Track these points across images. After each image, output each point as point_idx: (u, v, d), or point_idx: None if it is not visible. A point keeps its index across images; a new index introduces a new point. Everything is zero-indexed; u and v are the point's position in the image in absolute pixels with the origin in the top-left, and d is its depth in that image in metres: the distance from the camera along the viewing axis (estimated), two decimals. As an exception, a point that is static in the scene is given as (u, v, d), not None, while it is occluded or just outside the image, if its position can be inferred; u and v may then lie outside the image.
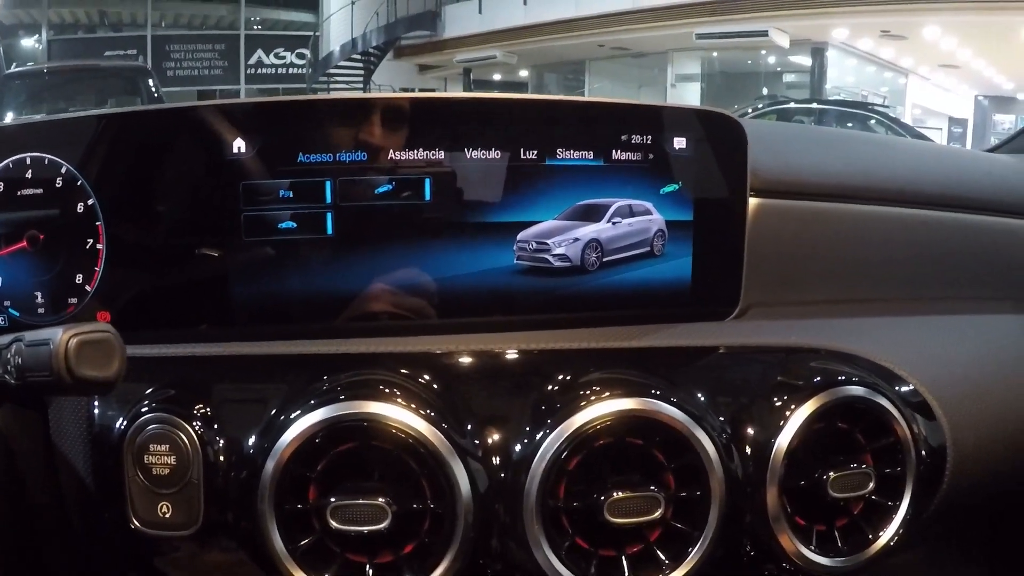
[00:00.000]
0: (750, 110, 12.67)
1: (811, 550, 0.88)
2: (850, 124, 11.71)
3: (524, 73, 24.23)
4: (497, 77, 24.24)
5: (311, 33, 26.72)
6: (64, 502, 0.88)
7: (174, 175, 0.90)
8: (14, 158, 0.89)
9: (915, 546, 0.96)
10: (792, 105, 13.65)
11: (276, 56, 26.65)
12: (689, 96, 19.35)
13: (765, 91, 21.01)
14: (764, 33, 16.80)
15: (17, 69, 11.64)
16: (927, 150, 1.39)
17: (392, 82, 23.03)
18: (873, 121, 11.93)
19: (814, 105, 13.66)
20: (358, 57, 23.30)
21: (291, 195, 0.88)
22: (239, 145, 0.87)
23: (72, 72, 10.87)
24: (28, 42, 27.58)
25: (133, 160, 0.90)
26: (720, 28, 17.10)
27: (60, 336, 0.63)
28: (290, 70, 26.40)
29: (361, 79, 22.96)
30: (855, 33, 17.76)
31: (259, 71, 26.39)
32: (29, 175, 0.90)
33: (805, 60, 19.65)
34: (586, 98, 0.96)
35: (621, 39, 19.48)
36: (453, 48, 22.69)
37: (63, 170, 0.89)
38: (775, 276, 1.02)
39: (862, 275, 1.07)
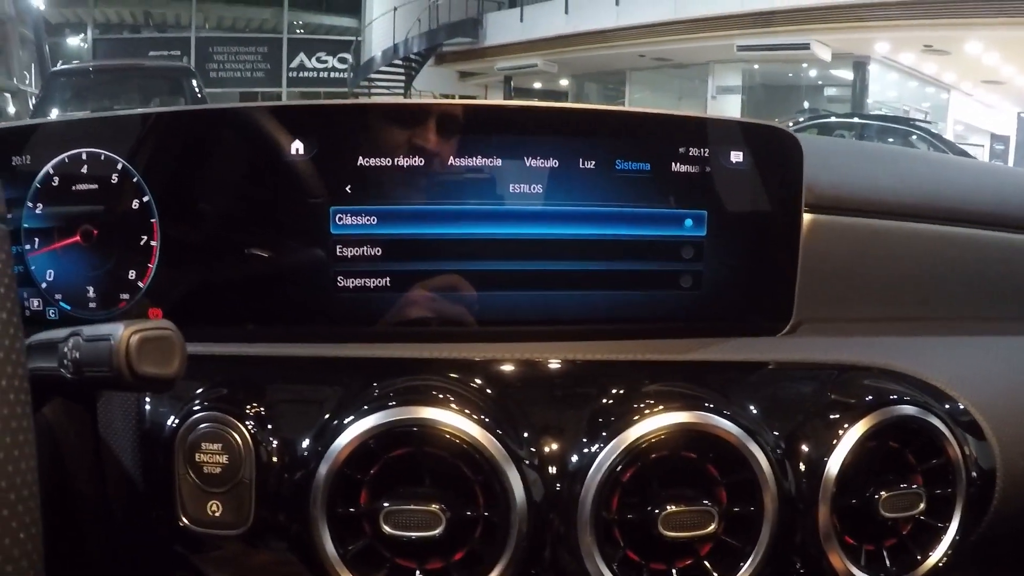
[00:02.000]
0: (791, 124, 12.59)
1: (860, 570, 0.87)
2: (891, 139, 11.62)
3: (564, 82, 24.17)
4: (538, 85, 24.15)
5: (353, 38, 26.84)
6: (109, 497, 0.88)
7: (230, 175, 0.92)
8: (70, 153, 0.91)
9: (964, 568, 0.94)
10: (833, 119, 13.57)
11: (318, 60, 26.79)
12: (729, 108, 19.21)
13: (806, 105, 20.90)
14: (806, 46, 16.65)
15: (63, 67, 11.79)
16: (979, 168, 1.39)
17: (433, 88, 23.07)
18: (915, 137, 11.85)
19: (855, 120, 13.57)
20: (399, 63, 23.28)
21: (347, 198, 0.89)
22: (297, 147, 0.88)
23: (117, 71, 10.90)
24: (74, 41, 27.96)
25: (189, 159, 0.91)
26: (761, 40, 16.95)
27: (121, 332, 0.63)
28: (332, 74, 26.50)
29: (402, 85, 22.97)
30: (897, 47, 17.59)
31: (301, 74, 26.53)
32: (85, 170, 0.91)
33: (847, 74, 19.50)
34: (644, 109, 0.94)
35: (662, 50, 19.40)
36: (494, 56, 22.71)
37: (119, 166, 0.91)
38: (827, 292, 1.01)
39: (913, 293, 1.06)
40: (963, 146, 15.95)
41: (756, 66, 20.24)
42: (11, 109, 12.14)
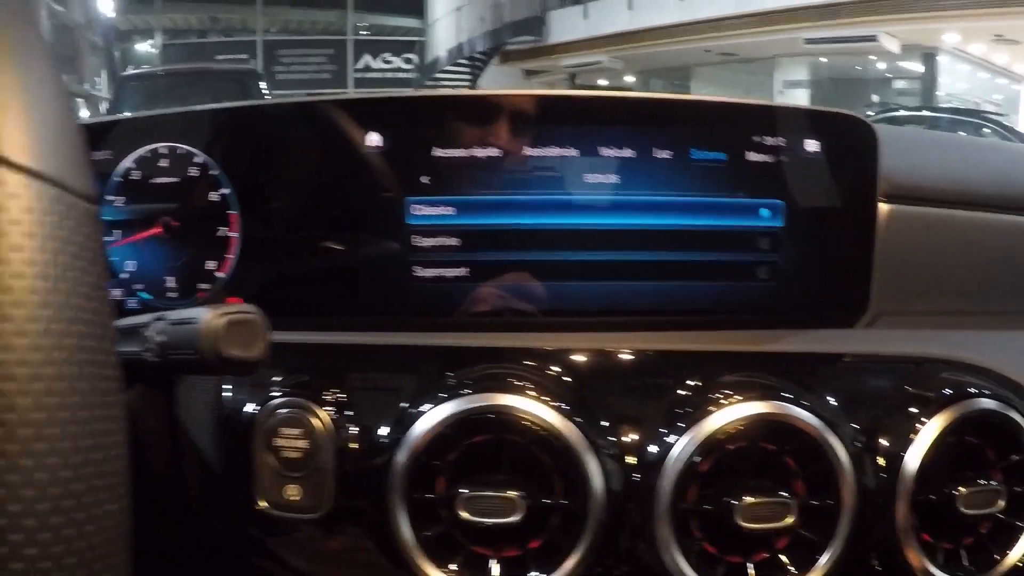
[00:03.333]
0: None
1: (938, 568, 0.85)
2: (962, 132, 11.46)
3: (630, 78, 24.04)
4: (603, 82, 24.01)
5: (418, 38, 27.10)
6: (185, 482, 0.87)
7: (308, 167, 0.93)
8: (150, 146, 0.93)
9: None
10: (903, 113, 13.30)
11: (383, 61, 27.06)
12: (797, 102, 18.96)
13: (876, 98, 20.53)
14: (873, 38, 16.44)
15: (133, 71, 12.19)
16: None
17: (498, 87, 23.01)
18: (987, 130, 11.68)
19: (925, 113, 13.32)
20: (464, 62, 23.41)
21: (423, 189, 0.90)
22: (373, 139, 0.89)
23: (186, 74, 11.10)
24: (143, 46, 28.53)
25: (267, 152, 0.93)
26: (828, 33, 16.75)
27: (208, 316, 0.64)
28: (397, 74, 26.69)
29: (468, 83, 22.93)
30: (967, 38, 17.29)
31: (367, 75, 26.72)
32: (166, 163, 0.93)
33: (916, 66, 19.26)
34: (719, 97, 0.94)
35: (728, 44, 19.21)
36: (559, 53, 22.56)
37: (199, 160, 0.93)
38: (905, 284, 0.99)
39: (992, 286, 1.03)
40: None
41: (823, 59, 20.00)
42: (84, 113, 12.47)
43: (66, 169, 0.43)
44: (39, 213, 0.41)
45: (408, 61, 26.65)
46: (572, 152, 0.90)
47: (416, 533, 0.81)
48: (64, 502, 0.42)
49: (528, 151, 0.90)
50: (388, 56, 27.10)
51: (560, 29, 22.42)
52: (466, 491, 0.80)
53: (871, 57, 19.75)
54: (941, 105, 16.12)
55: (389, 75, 26.87)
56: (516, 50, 23.51)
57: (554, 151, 0.90)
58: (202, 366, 0.64)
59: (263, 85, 10.51)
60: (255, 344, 0.64)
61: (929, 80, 18.68)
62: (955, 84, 19.42)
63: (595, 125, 0.91)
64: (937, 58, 18.45)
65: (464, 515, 0.79)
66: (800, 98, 19.25)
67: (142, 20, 28.06)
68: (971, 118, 12.60)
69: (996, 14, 14.71)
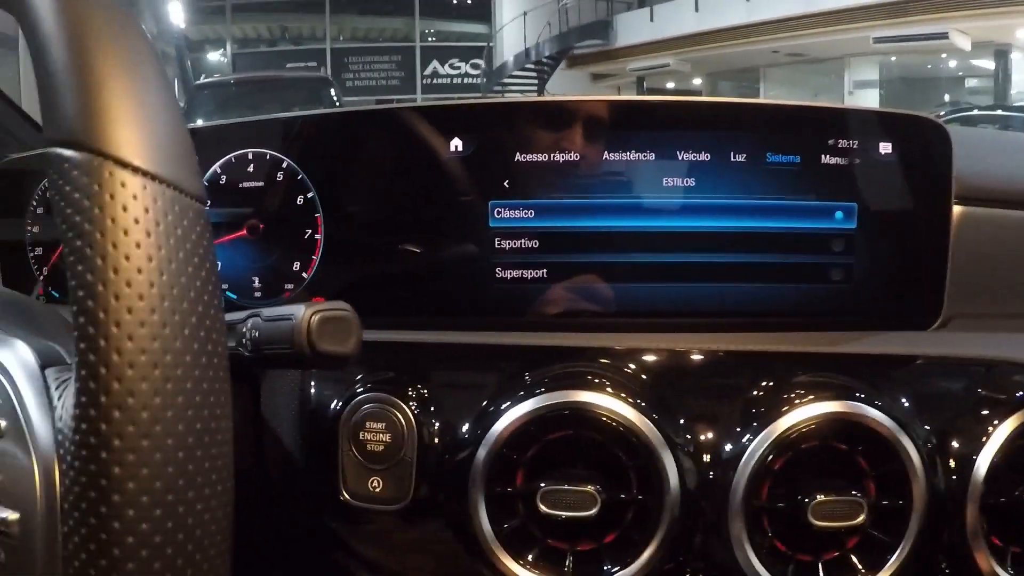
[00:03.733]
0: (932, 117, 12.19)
1: (1007, 571, 0.84)
2: None
3: (697, 81, 23.82)
4: (671, 85, 23.82)
5: (485, 44, 27.11)
6: (269, 475, 0.90)
7: (391, 173, 0.95)
8: (237, 153, 0.96)
9: None
10: (976, 112, 13.03)
11: (451, 66, 27.16)
12: (867, 103, 18.42)
13: (948, 97, 20.23)
14: (944, 35, 16.20)
15: (206, 80, 12.29)
16: None
17: (566, 91, 22.84)
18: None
19: (999, 111, 13.12)
20: (531, 67, 23.36)
21: (504, 193, 0.92)
22: (456, 144, 0.91)
23: (257, 83, 11.21)
24: (214, 56, 28.81)
25: (351, 158, 0.95)
26: (898, 31, 16.56)
27: (303, 312, 0.65)
28: (465, 80, 26.82)
29: (535, 88, 22.95)
30: None
31: (435, 81, 26.87)
32: (252, 169, 0.95)
33: (988, 64, 18.93)
34: (792, 101, 0.95)
35: (796, 44, 19.05)
36: (625, 56, 22.57)
37: (284, 165, 0.95)
38: (978, 287, 0.97)
39: None
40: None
41: (893, 58, 19.80)
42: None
43: (179, 172, 0.47)
44: (156, 212, 0.46)
45: (475, 67, 26.67)
46: (648, 156, 0.91)
47: (494, 526, 0.82)
48: (177, 481, 0.46)
49: (605, 156, 0.91)
50: (455, 62, 27.21)
51: (627, 32, 22.40)
52: (544, 485, 0.81)
53: (942, 55, 19.44)
54: (1015, 104, 15.78)
55: (456, 81, 26.99)
56: (583, 54, 23.52)
57: (630, 155, 0.91)
58: (296, 360, 0.67)
59: (333, 92, 10.57)
60: (348, 340, 0.66)
61: (1002, 78, 18.28)
62: None
63: (671, 130, 0.92)
64: (1010, 55, 18.08)
65: (542, 508, 0.81)
66: (870, 98, 19.07)
67: (212, 30, 28.38)
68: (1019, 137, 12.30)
69: None
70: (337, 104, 10.11)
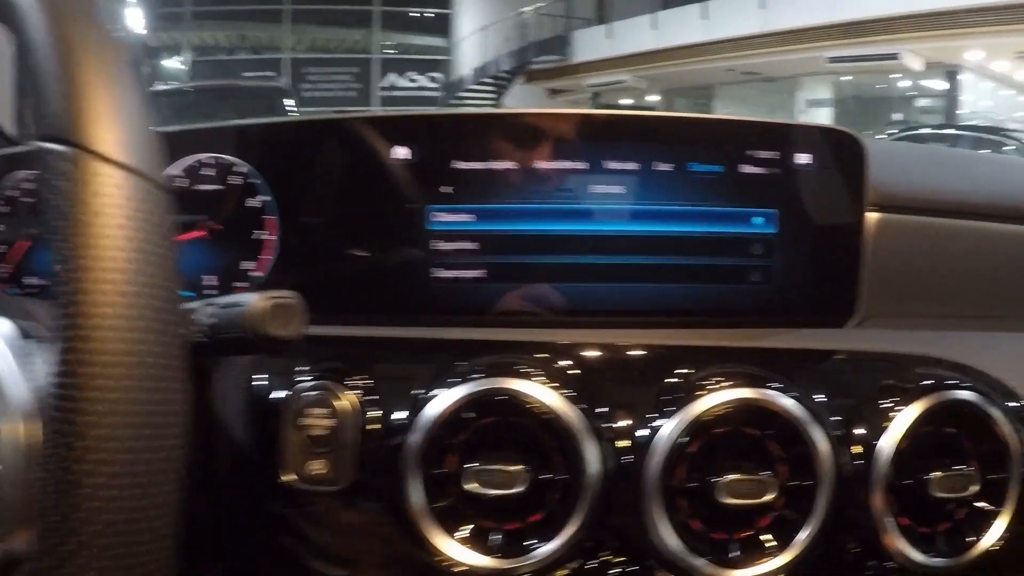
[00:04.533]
0: (884, 136, 12.29)
1: (914, 549, 0.88)
2: (986, 150, 11.31)
3: (653, 97, 23.93)
4: (627, 101, 23.92)
5: (443, 57, 27.35)
6: (215, 461, 0.92)
7: (340, 178, 0.98)
8: (196, 156, 0.99)
9: (1018, 553, 0.93)
10: (926, 131, 13.20)
11: (409, 79, 27.27)
12: (820, 121, 18.60)
13: (898, 116, 20.56)
14: (896, 56, 16.39)
15: (163, 87, 12.20)
16: None
17: (522, 105, 22.79)
18: (1010, 147, 11.62)
19: (949, 131, 13.23)
20: (489, 81, 23.57)
21: (443, 198, 0.96)
22: (399, 152, 0.95)
23: (214, 91, 11.03)
24: (172, 63, 28.60)
25: (303, 162, 0.99)
26: (851, 51, 16.74)
27: (255, 299, 0.68)
28: (422, 93, 26.89)
29: (492, 102, 23.02)
30: (991, 55, 17.08)
31: (392, 93, 26.94)
32: (209, 172, 0.99)
33: (939, 84, 19.20)
34: (716, 115, 1.03)
35: (751, 63, 19.26)
36: (583, 72, 22.66)
37: (240, 169, 0.98)
38: (892, 289, 1.02)
39: (978, 292, 1.06)
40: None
41: (846, 78, 19.98)
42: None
43: (149, 164, 0.54)
44: (128, 197, 0.52)
45: (433, 80, 26.87)
46: (581, 165, 0.96)
47: (428, 504, 0.86)
48: (140, 432, 0.51)
49: (541, 164, 0.96)
50: (413, 75, 27.35)
51: (584, 48, 22.54)
52: (476, 464, 0.85)
53: (894, 75, 19.71)
54: (963, 123, 16.00)
55: (414, 93, 27.04)
56: (541, 69, 23.58)
57: (565, 164, 0.96)
58: (247, 344, 0.69)
59: (290, 102, 10.41)
60: (292, 324, 0.69)
61: (952, 98, 18.58)
62: (978, 102, 19.19)
63: (600, 141, 0.96)
64: (960, 76, 18.37)
65: (471, 487, 0.84)
66: (823, 117, 19.16)
67: (170, 37, 28.25)
68: (993, 135, 12.42)
69: (1020, 31, 14.58)
70: (296, 113, 10.01)
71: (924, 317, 1.04)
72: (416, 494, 0.86)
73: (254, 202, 0.99)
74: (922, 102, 21.15)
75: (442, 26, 27.89)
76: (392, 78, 27.45)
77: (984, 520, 0.91)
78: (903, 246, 1.02)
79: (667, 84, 22.46)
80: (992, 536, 0.90)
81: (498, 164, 0.96)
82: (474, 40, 24.16)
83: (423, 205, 0.96)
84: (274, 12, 27.86)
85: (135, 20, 16.89)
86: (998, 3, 14.13)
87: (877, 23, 15.90)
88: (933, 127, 14.28)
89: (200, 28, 28.54)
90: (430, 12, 28.63)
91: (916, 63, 17.06)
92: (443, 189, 0.96)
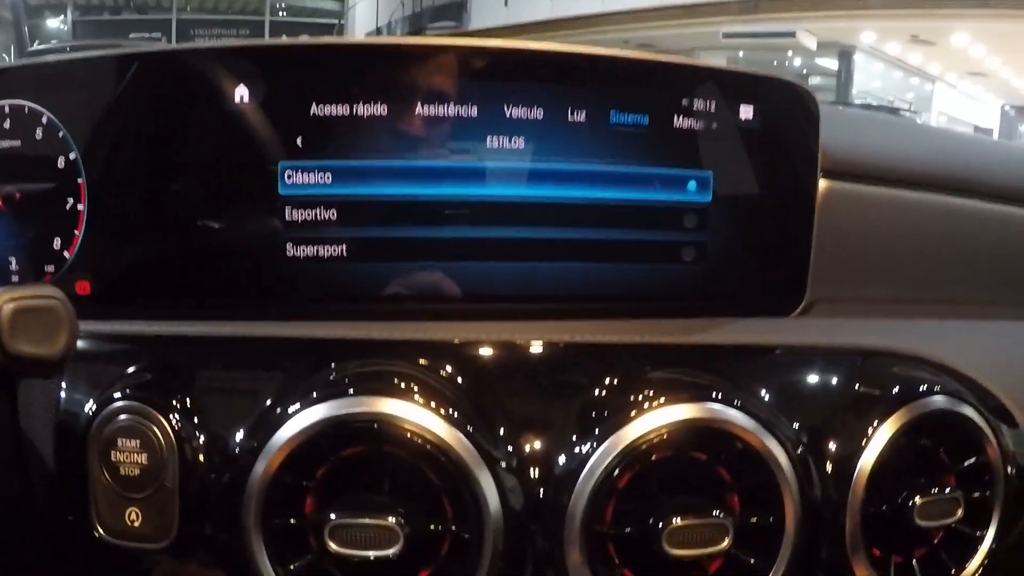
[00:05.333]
0: None
1: None
2: None
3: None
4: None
5: (336, 21, 27.33)
6: (35, 496, 0.78)
7: (166, 128, 0.80)
8: None
9: None
10: None
11: (301, 42, 27.25)
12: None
13: (791, 93, 21.16)
14: (792, 34, 16.84)
15: (39, 47, 11.80)
16: (999, 144, 1.29)
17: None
18: (901, 127, 11.97)
19: (840, 108, 13.64)
20: (382, 46, 23.59)
21: (298, 152, 0.79)
22: (242, 94, 0.78)
23: (93, 51, 10.94)
24: (53, 22, 28.29)
25: (121, 110, 0.81)
26: (747, 28, 17.13)
27: None
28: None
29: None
30: (883, 37, 17.88)
31: (283, 56, 26.88)
32: (7, 125, 0.82)
33: (832, 63, 19.81)
34: (643, 55, 0.84)
35: (647, 36, 19.54)
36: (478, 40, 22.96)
37: (44, 119, 0.81)
38: (843, 269, 0.93)
39: (936, 272, 0.99)
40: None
41: (741, 54, 20.49)
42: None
43: None
44: None
45: (325, 43, 26.85)
46: (469, 111, 0.79)
47: (277, 566, 0.70)
48: None
49: (421, 110, 0.78)
50: (305, 38, 27.18)
51: (480, 16, 22.77)
52: (335, 517, 0.69)
53: (788, 53, 20.31)
54: (855, 103, 16.61)
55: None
56: (435, 36, 23.56)
57: (448, 109, 0.79)
58: None
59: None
60: (55, 338, 0.57)
61: (844, 77, 19.25)
62: (870, 82, 20.20)
63: (497, 80, 0.80)
64: (853, 56, 19.05)
65: (333, 546, 0.69)
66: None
67: (54, -6, 27.72)
68: (883, 115, 12.87)
69: (914, 15, 15.21)
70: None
71: (876, 302, 0.96)
72: (259, 552, 0.70)
73: (60, 161, 0.80)
74: (815, 80, 21.97)
75: (336, -11, 27.72)
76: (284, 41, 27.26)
77: (966, 545, 0.82)
78: (856, 219, 0.93)
79: (563, 55, 22.82)
80: (975, 563, 0.81)
81: (366, 109, 0.77)
82: (368, 4, 24.26)
83: (274, 161, 0.78)
84: (162, -30, 27.39)
85: (14, -25, 16.32)
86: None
87: (774, 1, 16.30)
88: (825, 104, 14.60)
89: (85, -15, 28.00)
90: (324, -26, 28.49)
91: (811, 42, 17.57)
92: (297, 141, 0.78)
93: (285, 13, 28.85)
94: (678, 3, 17.56)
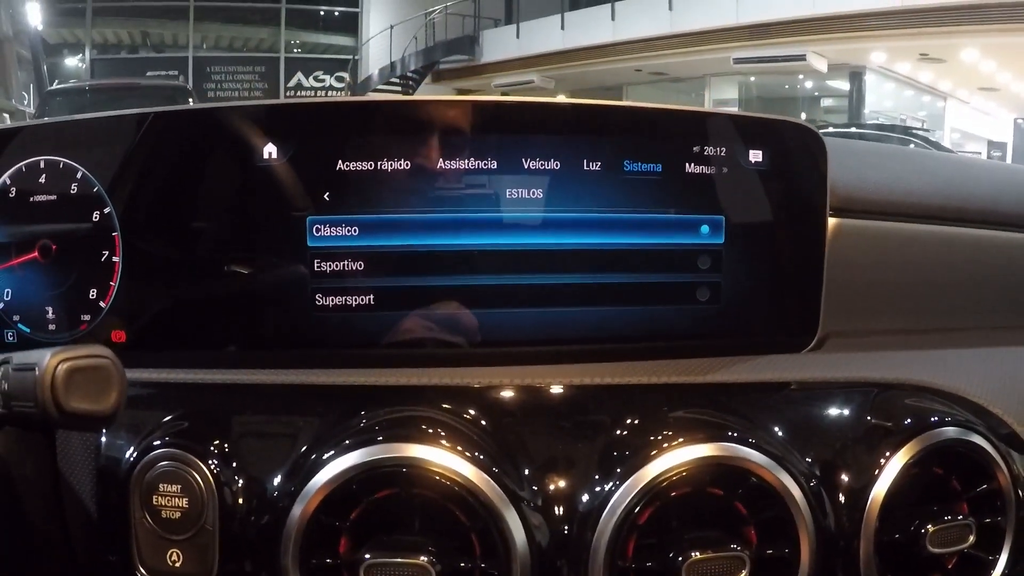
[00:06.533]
0: None
1: None
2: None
3: (560, 98, 24.24)
4: (535, 101, 24.33)
5: (350, 56, 27.06)
6: (70, 537, 0.79)
7: (198, 183, 0.83)
8: (27, 161, 0.84)
9: None
10: (831, 129, 13.52)
11: (315, 79, 27.07)
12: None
13: (804, 116, 20.71)
14: (802, 57, 16.67)
15: (59, 86, 11.97)
16: (1006, 169, 1.25)
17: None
18: (913, 145, 11.87)
19: (853, 129, 13.53)
20: (396, 80, 23.47)
21: (326, 207, 0.81)
22: (271, 151, 0.80)
23: (113, 90, 11.01)
24: (72, 61, 28.09)
25: (154, 166, 0.84)
26: (758, 52, 16.99)
27: (47, 361, 0.56)
28: (329, 93, 26.61)
29: (400, 103, 23.06)
30: (893, 57, 17.59)
31: (299, 93, 26.58)
32: (43, 180, 0.84)
33: (843, 84, 19.55)
34: (653, 104, 0.86)
35: (659, 64, 19.46)
36: (491, 72, 22.79)
37: (78, 175, 0.83)
38: (854, 303, 0.94)
39: (945, 303, 1.00)
40: (960, 153, 15.97)
41: (752, 78, 20.34)
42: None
43: None
44: None
45: (340, 79, 26.67)
46: (489, 164, 0.82)
47: None
48: None
49: (444, 164, 0.81)
50: (320, 74, 27.15)
51: (492, 49, 22.64)
52: (369, 556, 0.71)
53: (799, 76, 20.11)
54: (868, 122, 16.46)
55: (321, 94, 26.76)
56: (448, 69, 23.70)
57: (472, 163, 0.82)
58: (44, 420, 0.56)
59: (191, 102, 10.29)
60: (106, 395, 0.57)
61: (856, 98, 18.97)
62: (882, 102, 19.87)
63: (518, 135, 0.82)
64: (864, 76, 18.79)
65: None
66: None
67: (71, 34, 27.68)
68: (897, 134, 12.81)
69: (922, 34, 15.00)
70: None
71: (887, 335, 0.96)
72: None
73: (95, 215, 0.83)
74: (827, 102, 21.72)
75: (349, 25, 27.72)
76: (299, 78, 27.14)
77: (978, 570, 0.81)
78: (866, 255, 0.94)
79: (575, 85, 22.64)
80: None
81: (390, 164, 0.81)
82: (381, 39, 24.06)
83: (302, 216, 0.81)
84: (178, 9, 27.41)
85: (33, 15, 16.42)
86: (900, 8, 14.52)
87: (783, 25, 16.24)
88: (838, 126, 14.61)
89: (102, 24, 27.93)
90: (338, 11, 28.41)
91: (821, 64, 17.38)
92: (325, 196, 0.81)
93: (300, 50, 28.58)
94: (687, 30, 17.40)
